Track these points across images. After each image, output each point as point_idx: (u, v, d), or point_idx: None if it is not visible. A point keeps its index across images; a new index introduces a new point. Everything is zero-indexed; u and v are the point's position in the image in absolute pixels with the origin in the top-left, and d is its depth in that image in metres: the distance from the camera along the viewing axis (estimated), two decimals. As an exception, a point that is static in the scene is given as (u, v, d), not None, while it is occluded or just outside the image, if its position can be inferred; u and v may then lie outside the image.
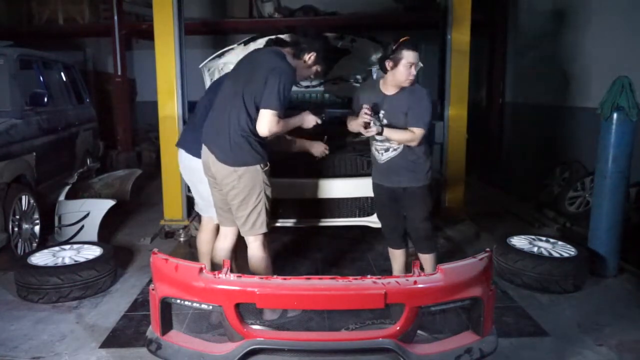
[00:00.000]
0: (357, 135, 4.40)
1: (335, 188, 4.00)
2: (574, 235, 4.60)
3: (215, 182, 2.98)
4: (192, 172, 3.29)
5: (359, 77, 5.01)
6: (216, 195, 3.05)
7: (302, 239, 4.69)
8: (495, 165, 7.80)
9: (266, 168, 2.90)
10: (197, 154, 3.13)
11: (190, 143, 3.23)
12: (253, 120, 2.79)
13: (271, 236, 3.10)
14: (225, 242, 3.16)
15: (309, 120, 3.07)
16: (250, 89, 2.78)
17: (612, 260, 3.86)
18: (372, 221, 4.13)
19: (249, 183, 2.83)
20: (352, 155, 4.17)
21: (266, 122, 2.74)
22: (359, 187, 4.06)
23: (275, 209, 3.60)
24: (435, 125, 5.16)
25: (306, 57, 2.92)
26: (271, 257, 3.09)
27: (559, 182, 5.65)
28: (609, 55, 5.18)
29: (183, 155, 3.33)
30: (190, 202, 4.99)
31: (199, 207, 3.45)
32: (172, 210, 4.98)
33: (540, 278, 3.59)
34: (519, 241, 3.96)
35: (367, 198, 4.08)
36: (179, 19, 4.75)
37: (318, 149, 3.62)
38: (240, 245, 3.22)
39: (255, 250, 2.97)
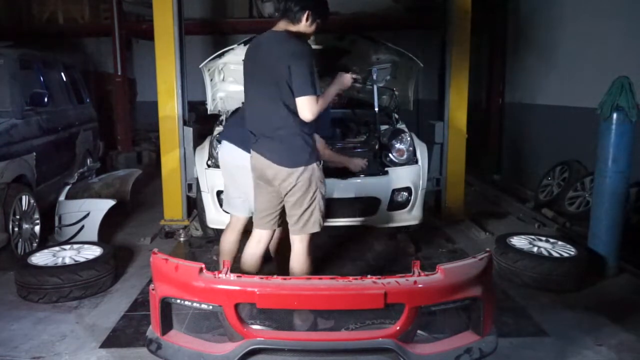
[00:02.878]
0: (356, 134, 4.43)
1: (336, 188, 4.00)
2: (574, 235, 4.60)
3: (266, 185, 2.91)
4: (239, 168, 3.21)
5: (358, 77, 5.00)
6: (262, 197, 2.99)
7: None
8: (495, 166, 7.80)
9: (321, 165, 2.85)
10: (248, 150, 3.09)
11: (240, 139, 3.17)
12: (297, 114, 2.71)
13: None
14: (258, 248, 3.08)
15: (346, 80, 2.93)
16: (282, 85, 2.68)
17: (612, 260, 3.86)
18: (372, 221, 4.13)
19: (307, 182, 2.79)
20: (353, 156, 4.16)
21: (307, 109, 2.66)
22: (360, 188, 4.06)
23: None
24: (435, 125, 5.17)
25: (303, 18, 2.76)
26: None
27: (558, 182, 5.65)
28: (609, 55, 5.18)
29: (235, 151, 3.23)
30: (190, 202, 5.00)
31: (234, 205, 3.33)
32: (172, 210, 4.98)
33: (540, 278, 3.59)
34: (519, 241, 3.96)
35: (367, 198, 4.08)
36: (179, 19, 4.76)
37: (358, 163, 3.56)
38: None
39: (300, 251, 2.90)
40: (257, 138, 2.85)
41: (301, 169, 2.76)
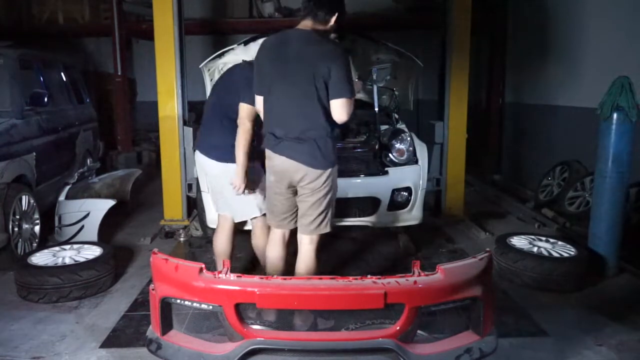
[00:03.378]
0: (356, 134, 4.42)
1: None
2: (574, 235, 4.60)
3: (286, 189, 2.84)
4: (216, 177, 3.26)
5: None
6: (281, 200, 2.88)
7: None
8: (495, 166, 7.81)
9: None
10: (220, 159, 3.14)
11: (210, 149, 3.21)
12: (329, 116, 2.69)
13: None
14: (283, 248, 3.00)
15: (360, 86, 3.07)
16: (321, 86, 2.64)
17: (612, 260, 3.86)
18: (372, 221, 4.13)
19: (331, 183, 2.78)
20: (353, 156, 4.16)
21: (345, 111, 2.65)
22: (360, 187, 4.06)
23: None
24: (435, 125, 5.17)
25: (332, 20, 2.77)
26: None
27: (558, 182, 5.65)
28: (609, 55, 5.18)
29: (206, 161, 3.26)
30: (190, 202, 5.00)
31: (219, 205, 3.36)
32: (172, 210, 4.98)
33: (540, 278, 3.59)
34: (519, 241, 3.96)
35: (367, 198, 4.07)
36: (179, 19, 4.76)
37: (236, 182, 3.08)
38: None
39: (308, 252, 2.87)
40: (281, 140, 2.74)
41: (329, 170, 2.76)
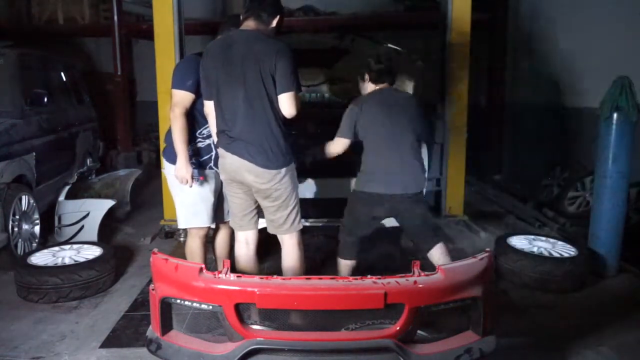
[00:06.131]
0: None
1: (335, 188, 4.00)
2: (574, 235, 4.60)
3: (239, 184, 2.85)
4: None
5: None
6: (237, 201, 2.93)
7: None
8: (495, 165, 7.80)
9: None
10: (169, 159, 3.14)
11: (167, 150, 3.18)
12: (280, 112, 2.72)
13: (273, 237, 3.07)
14: (249, 249, 3.03)
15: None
16: (269, 83, 2.66)
17: (612, 260, 3.86)
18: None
19: (290, 182, 2.80)
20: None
21: (293, 105, 2.68)
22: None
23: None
24: (436, 125, 5.16)
25: (274, 21, 2.81)
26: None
27: (559, 182, 5.65)
28: (609, 55, 5.18)
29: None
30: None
31: (188, 218, 3.31)
32: (172, 210, 4.92)
33: (540, 278, 3.59)
34: (519, 241, 3.96)
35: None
36: (179, 19, 4.75)
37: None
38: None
39: (293, 248, 2.91)
40: (234, 139, 2.74)
41: (284, 169, 2.76)
